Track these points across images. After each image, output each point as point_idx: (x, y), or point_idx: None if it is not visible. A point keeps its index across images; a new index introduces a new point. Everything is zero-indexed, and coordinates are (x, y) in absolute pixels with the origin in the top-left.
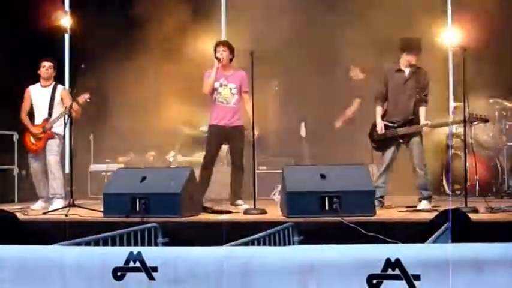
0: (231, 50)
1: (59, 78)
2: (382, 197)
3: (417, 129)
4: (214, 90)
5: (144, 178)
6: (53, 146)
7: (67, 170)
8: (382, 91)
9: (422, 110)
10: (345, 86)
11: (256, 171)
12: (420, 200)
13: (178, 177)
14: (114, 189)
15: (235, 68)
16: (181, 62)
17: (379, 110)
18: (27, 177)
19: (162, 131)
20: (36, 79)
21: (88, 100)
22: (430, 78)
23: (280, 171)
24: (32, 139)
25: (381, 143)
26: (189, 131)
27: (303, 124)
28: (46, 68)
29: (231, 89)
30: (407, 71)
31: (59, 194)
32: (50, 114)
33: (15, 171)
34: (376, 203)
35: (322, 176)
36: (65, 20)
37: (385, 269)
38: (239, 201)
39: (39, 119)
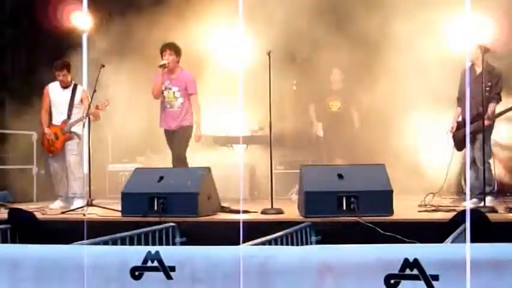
0: (177, 52)
1: (77, 78)
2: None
3: (478, 126)
4: (161, 93)
5: (161, 178)
6: (72, 146)
7: (85, 170)
8: (461, 90)
9: (490, 107)
10: None
11: (274, 171)
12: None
13: (195, 177)
14: (132, 188)
15: (181, 70)
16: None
17: (458, 110)
18: (46, 176)
19: None
20: (55, 79)
21: (107, 106)
22: (501, 76)
23: (298, 171)
24: (49, 139)
25: (459, 141)
26: (206, 131)
27: (320, 124)
28: (61, 77)
29: (174, 92)
30: (478, 70)
31: (79, 193)
32: (69, 116)
33: (34, 170)
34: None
35: (340, 176)
36: (82, 20)
37: (403, 269)
38: None
39: (57, 119)
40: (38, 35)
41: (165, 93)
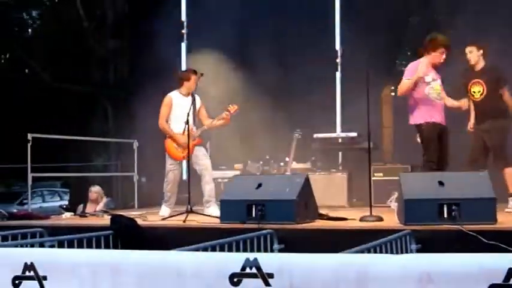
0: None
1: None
2: None
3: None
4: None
5: (259, 185)
6: (203, 150)
7: (184, 177)
8: None
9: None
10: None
11: (372, 178)
12: None
13: (293, 184)
14: (231, 195)
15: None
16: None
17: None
18: (147, 184)
19: (277, 137)
20: (155, 89)
21: (237, 111)
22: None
23: (397, 178)
24: (177, 147)
25: None
26: (301, 138)
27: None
28: (198, 84)
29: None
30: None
31: (214, 199)
32: (193, 123)
33: (135, 177)
34: None
35: (440, 183)
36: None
37: (507, 279)
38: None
39: (181, 127)
40: (138, 46)
41: (433, 84)
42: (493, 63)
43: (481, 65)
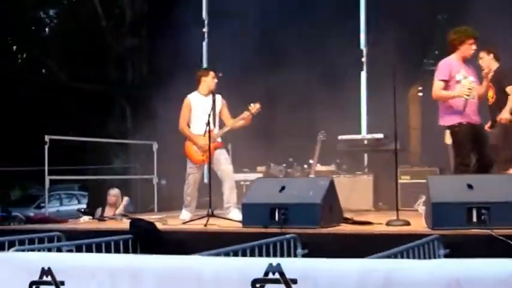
0: None
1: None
2: None
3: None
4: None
5: (283, 188)
6: (225, 154)
7: (205, 180)
8: None
9: None
10: None
11: (399, 180)
12: None
13: (317, 187)
14: (253, 199)
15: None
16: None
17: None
18: (167, 187)
19: (301, 139)
20: (176, 88)
21: (259, 110)
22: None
23: (424, 181)
24: (197, 149)
25: None
26: (325, 140)
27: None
28: (216, 84)
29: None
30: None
31: (236, 203)
32: (214, 124)
33: (155, 180)
34: None
35: (470, 186)
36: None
37: None
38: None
39: (200, 129)
40: (158, 44)
41: (465, 82)
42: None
43: (494, 68)
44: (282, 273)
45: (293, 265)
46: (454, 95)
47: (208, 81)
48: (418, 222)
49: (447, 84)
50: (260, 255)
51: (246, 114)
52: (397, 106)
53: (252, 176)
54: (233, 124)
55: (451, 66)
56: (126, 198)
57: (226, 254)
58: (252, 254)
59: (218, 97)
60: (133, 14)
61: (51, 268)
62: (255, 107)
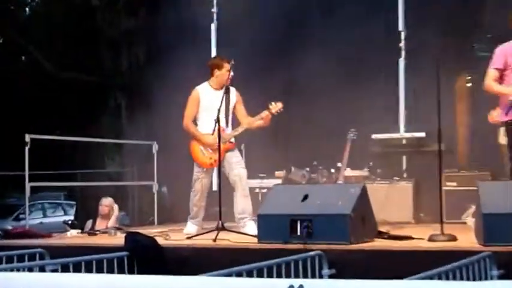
0: None
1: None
2: None
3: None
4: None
5: (306, 196)
6: (237, 157)
7: (214, 187)
8: None
9: None
10: None
11: (444, 188)
12: None
13: (347, 196)
14: (271, 209)
15: None
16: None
17: None
18: (170, 194)
19: (327, 139)
20: (180, 79)
21: (282, 110)
22: None
23: (474, 188)
24: (204, 151)
25: None
26: (356, 139)
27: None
28: (230, 76)
29: None
30: None
31: (251, 214)
32: (226, 122)
33: (155, 187)
34: None
35: None
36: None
37: None
38: None
39: (209, 127)
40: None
41: None
42: None
43: None
44: None
45: (318, 287)
46: (507, 92)
47: (222, 75)
48: (466, 238)
49: (503, 73)
50: (279, 275)
51: (265, 113)
52: (441, 99)
53: (270, 182)
54: (250, 124)
55: (508, 53)
56: (116, 207)
57: (239, 274)
58: (270, 275)
59: (232, 90)
60: None
61: None
62: (276, 106)
